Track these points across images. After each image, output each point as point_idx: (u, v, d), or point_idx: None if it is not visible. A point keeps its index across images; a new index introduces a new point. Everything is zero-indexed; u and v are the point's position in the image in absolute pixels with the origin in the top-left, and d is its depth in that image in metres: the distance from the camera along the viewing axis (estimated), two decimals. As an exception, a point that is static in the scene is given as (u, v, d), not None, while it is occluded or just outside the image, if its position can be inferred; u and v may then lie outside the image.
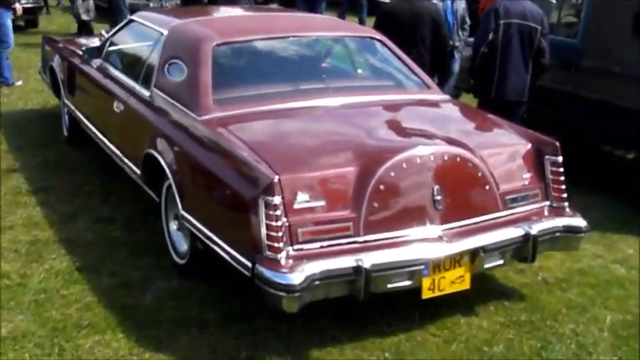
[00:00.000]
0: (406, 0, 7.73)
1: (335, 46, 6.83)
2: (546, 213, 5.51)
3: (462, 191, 5.17)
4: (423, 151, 5.03)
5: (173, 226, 5.89)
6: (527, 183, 5.49)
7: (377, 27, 7.58)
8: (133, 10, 12.11)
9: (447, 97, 6.52)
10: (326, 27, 6.89)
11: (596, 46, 7.81)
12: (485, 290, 5.73)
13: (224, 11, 8.06)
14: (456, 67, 8.98)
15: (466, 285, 5.10)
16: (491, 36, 7.39)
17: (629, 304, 5.78)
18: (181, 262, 5.78)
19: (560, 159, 5.55)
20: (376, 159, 4.92)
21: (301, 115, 5.70)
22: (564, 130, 8.30)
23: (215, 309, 5.37)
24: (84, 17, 14.50)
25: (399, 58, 6.59)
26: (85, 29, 14.86)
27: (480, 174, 5.19)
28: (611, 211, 7.54)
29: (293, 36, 6.52)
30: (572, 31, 8.23)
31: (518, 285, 5.96)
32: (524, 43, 7.42)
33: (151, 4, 17.07)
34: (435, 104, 6.27)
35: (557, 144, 5.56)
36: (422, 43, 7.48)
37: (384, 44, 6.68)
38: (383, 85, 6.48)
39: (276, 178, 4.56)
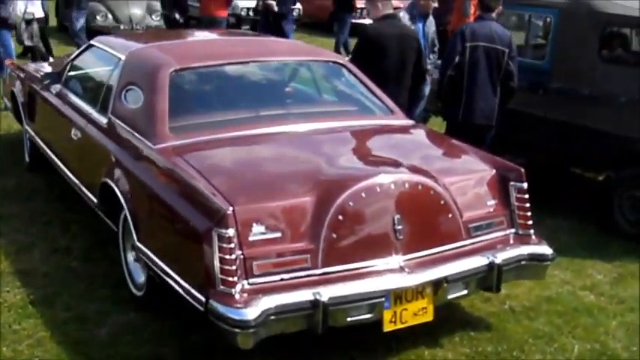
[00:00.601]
0: (390, 23, 7.54)
1: (298, 70, 6.70)
2: (512, 241, 5.39)
3: (424, 220, 5.04)
4: (384, 179, 4.90)
5: (130, 257, 5.73)
6: (491, 210, 5.36)
7: (359, 51, 7.30)
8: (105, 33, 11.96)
9: (411, 122, 6.40)
10: (288, 51, 6.75)
11: (563, 67, 7.72)
12: (450, 320, 5.59)
13: (187, 35, 7.92)
14: (427, 90, 8.86)
15: (429, 317, 4.96)
16: (457, 59, 7.27)
17: (597, 332, 5.66)
18: (139, 294, 5.61)
19: (525, 185, 5.43)
20: (334, 188, 4.79)
21: (260, 143, 5.55)
22: (534, 153, 8.24)
23: (172, 344, 5.21)
24: (27, 43, 14.11)
25: (363, 83, 6.46)
26: (32, 54, 14.49)
27: (442, 202, 5.06)
28: (580, 236, 7.44)
29: (254, 61, 6.37)
30: (540, 53, 8.14)
31: (484, 314, 5.82)
32: (492, 66, 7.31)
33: (122, 27, 16.89)
34: (398, 130, 6.14)
35: (522, 170, 5.44)
36: (409, 66, 7.33)
37: (347, 69, 6.55)
38: (346, 110, 6.33)
39: (229, 210, 4.42)
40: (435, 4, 8.90)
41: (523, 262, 5.30)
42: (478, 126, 7.46)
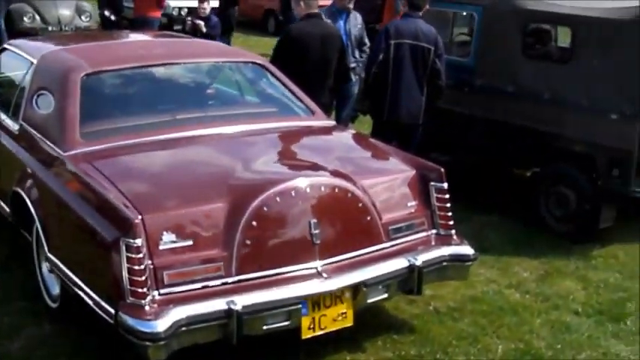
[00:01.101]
0: (313, 22, 7.38)
1: (217, 72, 6.52)
2: (433, 242, 5.32)
3: (341, 224, 4.95)
4: (299, 183, 4.79)
5: (45, 268, 5.53)
6: (412, 211, 5.29)
7: (280, 50, 7.15)
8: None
9: (332, 123, 6.31)
10: (206, 53, 6.58)
11: (487, 65, 7.70)
12: (373, 324, 5.51)
13: (105, 38, 7.73)
14: (355, 89, 8.77)
15: (349, 322, 4.87)
16: (381, 56, 7.19)
17: (521, 331, 5.62)
18: (54, 305, 5.43)
19: (445, 185, 5.36)
20: (248, 193, 4.68)
21: (176, 147, 5.41)
22: (461, 151, 8.21)
23: (87, 357, 5.04)
24: None
25: (284, 84, 6.33)
26: None
27: (360, 205, 4.98)
28: (508, 233, 7.41)
29: (172, 63, 6.18)
30: (465, 51, 8.11)
31: (408, 316, 5.75)
32: (418, 64, 7.24)
33: (50, 29, 16.52)
34: (318, 131, 6.04)
35: (442, 170, 5.38)
36: (332, 66, 7.22)
37: (268, 70, 6.41)
38: (266, 112, 6.20)
39: (137, 219, 4.29)
40: (350, 1, 8.75)
41: (444, 263, 5.25)
42: (404, 124, 7.41)
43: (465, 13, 8.18)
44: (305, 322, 4.67)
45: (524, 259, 6.84)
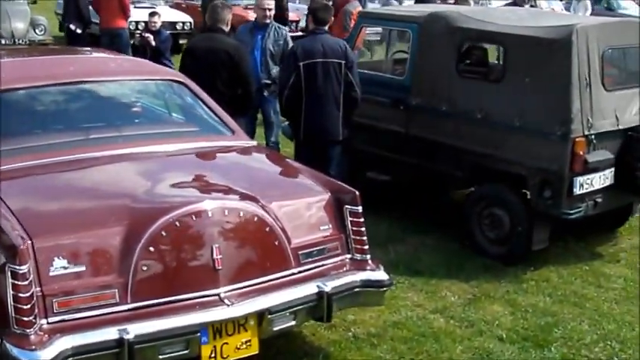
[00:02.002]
0: (210, 36, 7.41)
1: (134, 90, 6.32)
2: (347, 267, 5.17)
3: (247, 249, 4.80)
4: (201, 206, 4.63)
5: None
6: (325, 236, 5.14)
7: (181, 67, 7.24)
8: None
9: (252, 143, 6.14)
10: (124, 71, 6.36)
11: (422, 83, 7.56)
12: (287, 350, 5.38)
13: (14, 54, 7.49)
14: (272, 105, 8.65)
15: (254, 350, 4.70)
16: (292, 79, 7.11)
17: (440, 358, 5.48)
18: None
19: (359, 209, 5.22)
20: (145, 217, 4.51)
21: (82, 168, 5.23)
22: (398, 171, 8.08)
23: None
24: None
25: (204, 102, 6.17)
26: None
27: (267, 229, 4.82)
28: (442, 255, 7.27)
29: (83, 81, 5.96)
30: (401, 69, 7.98)
31: (325, 343, 5.61)
32: (330, 81, 7.16)
33: (3, 42, 16.26)
34: (234, 152, 5.87)
35: (357, 193, 5.23)
36: (220, 82, 7.08)
37: (187, 87, 6.24)
38: (183, 131, 6.02)
39: (24, 245, 4.12)
40: (267, 17, 8.61)
41: (357, 289, 5.09)
42: (322, 143, 7.34)
43: (400, 31, 8.04)
44: (205, 350, 4.50)
45: (454, 283, 6.70)
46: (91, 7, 15.21)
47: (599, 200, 6.94)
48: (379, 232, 7.64)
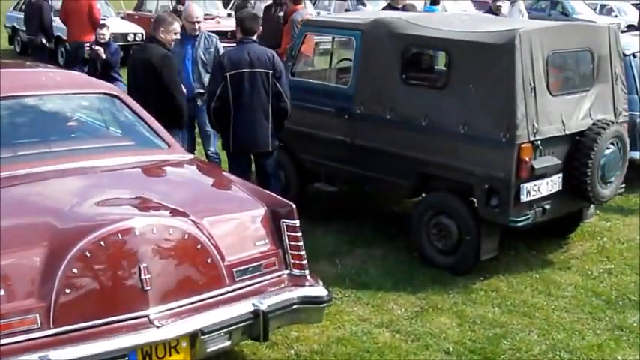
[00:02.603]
0: (146, 46, 7.32)
1: (67, 104, 6.07)
2: (285, 283, 5.00)
3: (177, 267, 4.60)
4: (128, 225, 4.45)
5: None
6: (261, 251, 4.96)
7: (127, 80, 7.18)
8: None
9: (188, 156, 5.93)
10: (54, 84, 6.09)
11: (367, 92, 7.40)
12: (225, 371, 5.16)
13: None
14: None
15: (187, 372, 4.51)
16: (219, 90, 6.95)
17: (384, 375, 5.32)
18: None
19: (296, 223, 5.05)
20: (68, 237, 4.31)
21: (9, 186, 4.98)
22: (345, 181, 7.92)
23: None
24: None
25: (138, 115, 5.96)
26: None
27: (199, 246, 4.64)
28: (390, 266, 7.10)
29: (13, 95, 5.70)
30: (345, 78, 7.81)
31: (265, 362, 5.42)
32: (258, 91, 7.01)
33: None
34: (167, 166, 5.66)
35: (293, 207, 5.06)
36: (150, 93, 6.88)
37: (121, 100, 6.04)
38: (115, 146, 5.77)
39: None
40: (196, 30, 8.46)
41: (295, 306, 4.91)
42: (254, 154, 7.26)
43: (344, 39, 7.88)
44: (135, 375, 4.31)
45: (401, 295, 6.54)
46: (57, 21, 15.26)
47: (547, 207, 6.83)
48: (327, 245, 7.52)
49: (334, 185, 7.98)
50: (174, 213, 4.72)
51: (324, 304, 5.11)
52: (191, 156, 5.96)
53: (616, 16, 31.67)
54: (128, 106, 6.02)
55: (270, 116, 7.15)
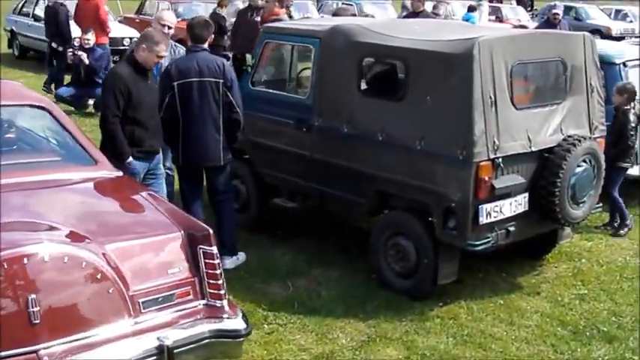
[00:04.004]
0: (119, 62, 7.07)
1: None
2: (200, 315, 4.59)
3: (72, 298, 4.22)
4: (18, 252, 4.08)
5: None
6: (174, 280, 4.57)
7: None
8: None
9: (115, 173, 5.48)
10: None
11: (325, 103, 6.96)
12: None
13: None
14: None
15: (81, 414, 4.11)
16: (167, 100, 6.55)
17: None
18: None
19: (214, 249, 4.65)
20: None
21: None
22: (304, 197, 7.50)
23: None
24: None
25: (66, 130, 5.57)
26: None
27: (99, 275, 4.25)
28: (344, 290, 6.67)
29: None
30: (304, 88, 7.37)
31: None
32: (208, 102, 6.64)
33: None
34: (85, 184, 5.25)
35: (210, 232, 4.66)
36: None
37: (50, 113, 5.63)
38: (38, 162, 5.38)
39: None
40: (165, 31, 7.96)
41: (207, 341, 4.50)
42: (205, 168, 6.90)
43: (302, 47, 7.44)
44: (20, 416, 3.92)
45: (350, 322, 6.10)
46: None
47: (511, 229, 6.37)
48: (283, 264, 7.14)
49: (295, 201, 7.55)
50: (74, 239, 4.33)
51: (242, 338, 4.70)
52: (118, 173, 5.53)
53: (631, 21, 31.10)
54: (56, 120, 5.62)
55: (221, 128, 6.76)
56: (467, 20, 22.95)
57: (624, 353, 5.82)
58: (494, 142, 6.05)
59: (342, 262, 7.17)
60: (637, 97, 8.20)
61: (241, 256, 7.09)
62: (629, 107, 8.07)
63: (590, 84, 6.89)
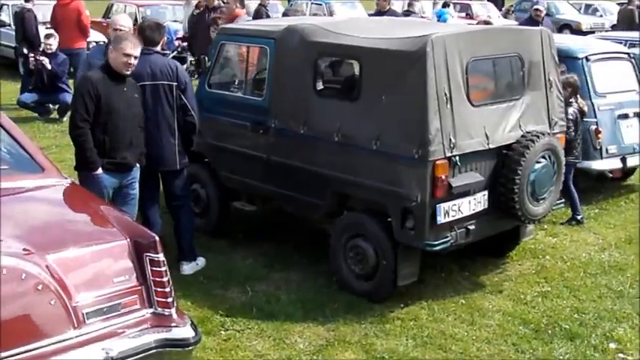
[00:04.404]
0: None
1: None
2: (148, 324, 4.48)
3: (11, 312, 4.06)
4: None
5: None
6: (120, 289, 4.46)
7: None
8: None
9: (63, 181, 5.34)
10: None
11: (281, 105, 6.86)
12: None
13: None
14: None
15: None
16: None
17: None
18: None
19: (160, 257, 4.54)
20: None
21: None
22: (262, 200, 7.40)
23: None
24: None
25: (11, 136, 5.43)
26: None
27: (39, 286, 4.12)
28: (304, 293, 6.58)
29: None
30: (260, 89, 7.26)
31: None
32: (162, 105, 6.54)
33: None
34: (29, 193, 5.11)
35: (157, 239, 4.55)
36: None
37: (-7, 119, 5.52)
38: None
39: None
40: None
41: (154, 351, 4.40)
42: (161, 172, 6.79)
43: (258, 47, 7.34)
44: None
45: (309, 326, 6.01)
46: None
47: (471, 227, 6.30)
48: (243, 269, 7.05)
49: (254, 204, 7.45)
50: (14, 250, 4.19)
51: (191, 347, 4.59)
52: (67, 180, 5.40)
53: (601, 15, 31.17)
54: (1, 126, 5.49)
55: (176, 132, 6.64)
56: (439, 16, 22.97)
57: (585, 351, 5.76)
58: (450, 140, 5.97)
59: (304, 265, 7.08)
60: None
61: (200, 262, 6.98)
62: (571, 101, 8.02)
63: (549, 79, 6.83)
